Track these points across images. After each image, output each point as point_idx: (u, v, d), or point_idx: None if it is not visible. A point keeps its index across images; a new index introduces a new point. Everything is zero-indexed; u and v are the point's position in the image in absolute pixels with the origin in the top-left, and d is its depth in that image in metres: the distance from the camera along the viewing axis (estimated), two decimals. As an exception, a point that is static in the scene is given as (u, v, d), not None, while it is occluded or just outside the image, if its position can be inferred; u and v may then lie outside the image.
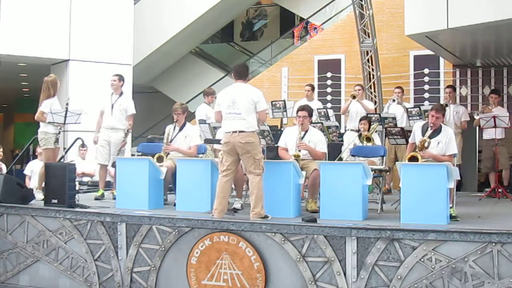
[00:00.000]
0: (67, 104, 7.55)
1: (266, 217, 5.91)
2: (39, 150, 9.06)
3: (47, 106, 7.48)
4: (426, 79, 11.83)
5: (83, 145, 9.78)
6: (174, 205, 6.90)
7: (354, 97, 9.45)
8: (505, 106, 10.10)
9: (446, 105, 8.76)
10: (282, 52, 15.49)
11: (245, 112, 5.97)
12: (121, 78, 8.07)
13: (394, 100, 9.45)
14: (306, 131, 7.02)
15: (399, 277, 5.14)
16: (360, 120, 8.37)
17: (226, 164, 6.09)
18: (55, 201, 6.66)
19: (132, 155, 10.65)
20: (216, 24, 16.08)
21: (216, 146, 7.97)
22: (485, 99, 10.78)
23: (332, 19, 14.64)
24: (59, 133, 7.48)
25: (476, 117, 8.96)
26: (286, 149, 7.03)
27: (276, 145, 7.65)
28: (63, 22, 11.94)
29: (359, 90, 9.66)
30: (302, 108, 7.19)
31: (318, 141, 7.00)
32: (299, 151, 6.86)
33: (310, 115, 7.14)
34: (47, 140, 7.47)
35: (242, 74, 6.23)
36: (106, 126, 7.93)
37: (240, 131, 5.95)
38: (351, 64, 12.41)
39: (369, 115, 8.82)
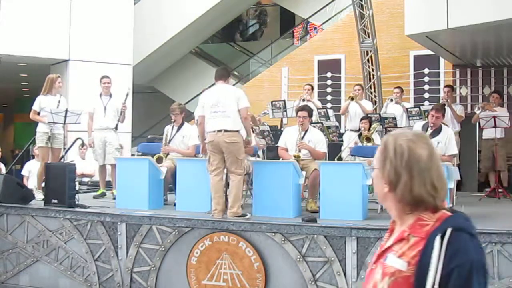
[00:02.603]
0: (58, 101, 7.60)
1: (243, 215, 5.93)
2: (36, 151, 9.07)
3: (36, 104, 7.60)
4: (426, 79, 11.82)
5: (83, 145, 9.79)
6: (174, 205, 6.90)
7: (352, 98, 9.44)
8: (505, 106, 10.09)
9: (444, 104, 8.77)
10: (282, 52, 15.49)
11: (230, 110, 6.02)
12: (111, 80, 8.12)
13: (392, 100, 9.45)
14: (306, 131, 7.02)
15: (399, 277, 5.13)
16: (361, 119, 8.37)
17: (214, 163, 6.09)
18: (55, 201, 6.66)
19: (132, 155, 10.65)
20: (216, 24, 16.07)
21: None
22: (485, 99, 10.77)
23: (332, 19, 14.63)
24: (65, 132, 7.57)
25: (477, 111, 8.95)
26: (286, 149, 7.03)
27: (276, 145, 7.66)
28: (63, 22, 11.93)
29: (358, 90, 9.65)
30: (302, 108, 7.21)
31: (318, 141, 7.01)
32: (299, 151, 6.86)
33: (310, 115, 7.15)
34: (39, 138, 7.58)
35: (223, 75, 6.32)
36: (100, 127, 7.94)
37: (225, 130, 5.97)
38: (351, 64, 12.40)
39: (369, 115, 8.82)
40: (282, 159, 6.93)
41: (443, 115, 6.64)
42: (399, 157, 1.74)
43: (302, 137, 6.93)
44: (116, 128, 7.99)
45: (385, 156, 1.77)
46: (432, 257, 1.61)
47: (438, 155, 1.79)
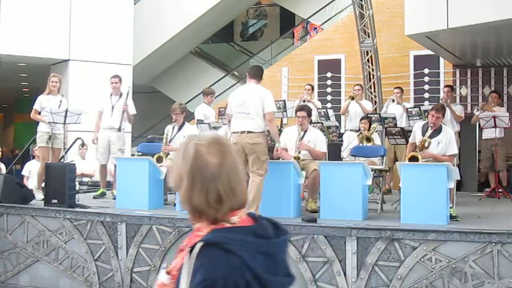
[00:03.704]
0: (60, 102, 7.61)
1: None
2: (36, 151, 9.09)
3: (37, 103, 7.63)
4: (426, 79, 11.81)
5: (83, 145, 9.79)
6: (174, 205, 6.89)
7: (352, 98, 9.44)
8: (505, 106, 10.09)
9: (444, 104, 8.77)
10: (282, 52, 15.48)
11: (254, 112, 5.99)
12: (121, 79, 8.11)
13: (393, 100, 9.45)
14: (306, 131, 7.02)
15: (399, 277, 5.14)
16: (361, 119, 8.37)
17: None
18: (55, 201, 6.66)
19: (132, 155, 10.64)
20: (216, 24, 16.06)
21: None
22: (485, 99, 10.77)
23: (332, 19, 14.63)
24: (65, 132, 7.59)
25: (476, 113, 8.96)
26: (286, 149, 7.02)
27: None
28: (63, 22, 11.93)
29: (358, 90, 9.65)
30: (301, 108, 7.21)
31: (317, 140, 7.00)
32: (299, 152, 6.85)
33: (309, 115, 7.15)
34: (40, 138, 7.60)
35: (256, 75, 6.24)
36: (105, 126, 7.93)
37: (248, 132, 5.96)
38: (351, 64, 12.39)
39: (369, 115, 8.82)
40: (282, 159, 6.93)
41: (443, 115, 6.63)
42: (186, 161, 1.61)
43: (302, 137, 6.93)
44: (119, 129, 7.96)
45: (176, 158, 1.67)
46: (181, 272, 1.55)
47: (233, 164, 1.64)
